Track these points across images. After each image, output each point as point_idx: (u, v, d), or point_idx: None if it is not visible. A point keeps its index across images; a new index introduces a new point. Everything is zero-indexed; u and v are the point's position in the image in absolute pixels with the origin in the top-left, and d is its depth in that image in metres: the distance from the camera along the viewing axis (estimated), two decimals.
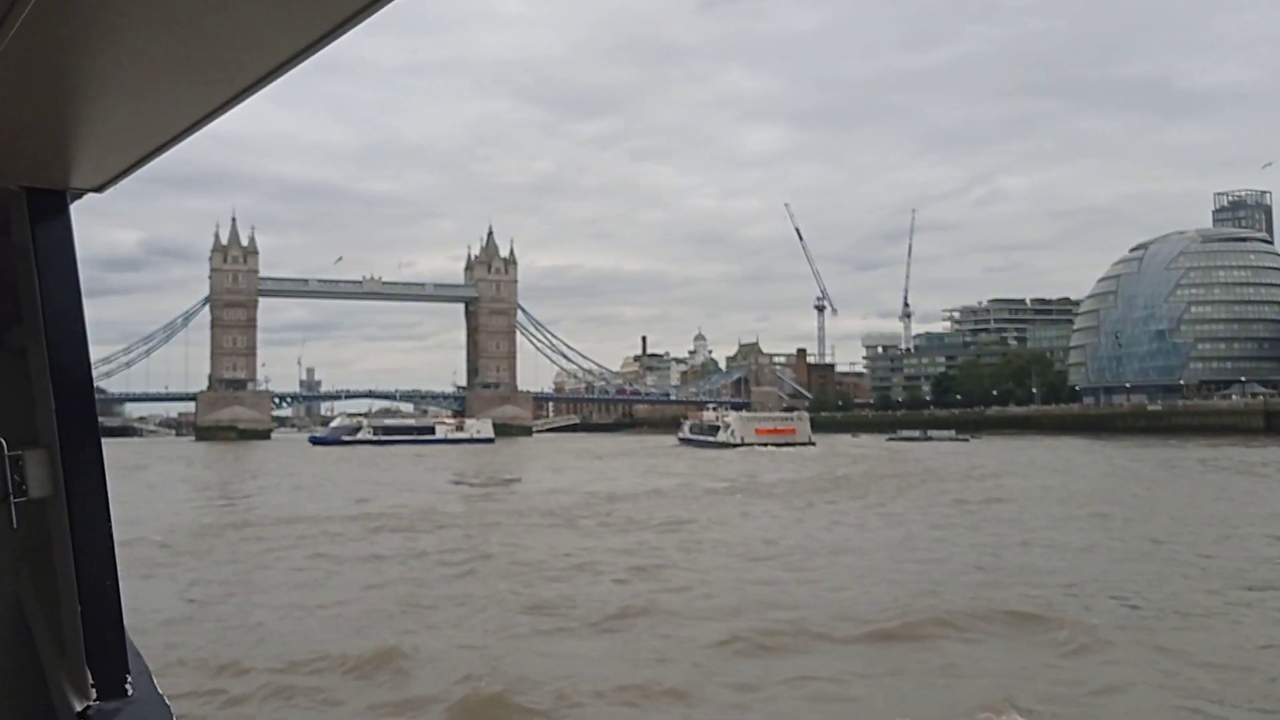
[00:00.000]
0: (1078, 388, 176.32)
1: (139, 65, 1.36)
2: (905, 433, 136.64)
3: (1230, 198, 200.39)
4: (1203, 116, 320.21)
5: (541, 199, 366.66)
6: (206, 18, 1.28)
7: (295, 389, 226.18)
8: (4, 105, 1.47)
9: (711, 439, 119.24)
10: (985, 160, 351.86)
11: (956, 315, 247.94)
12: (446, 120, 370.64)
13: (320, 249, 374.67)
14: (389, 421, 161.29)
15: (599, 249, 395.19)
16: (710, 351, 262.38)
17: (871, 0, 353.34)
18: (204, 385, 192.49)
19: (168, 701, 1.74)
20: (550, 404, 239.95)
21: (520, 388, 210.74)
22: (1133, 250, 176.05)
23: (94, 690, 1.72)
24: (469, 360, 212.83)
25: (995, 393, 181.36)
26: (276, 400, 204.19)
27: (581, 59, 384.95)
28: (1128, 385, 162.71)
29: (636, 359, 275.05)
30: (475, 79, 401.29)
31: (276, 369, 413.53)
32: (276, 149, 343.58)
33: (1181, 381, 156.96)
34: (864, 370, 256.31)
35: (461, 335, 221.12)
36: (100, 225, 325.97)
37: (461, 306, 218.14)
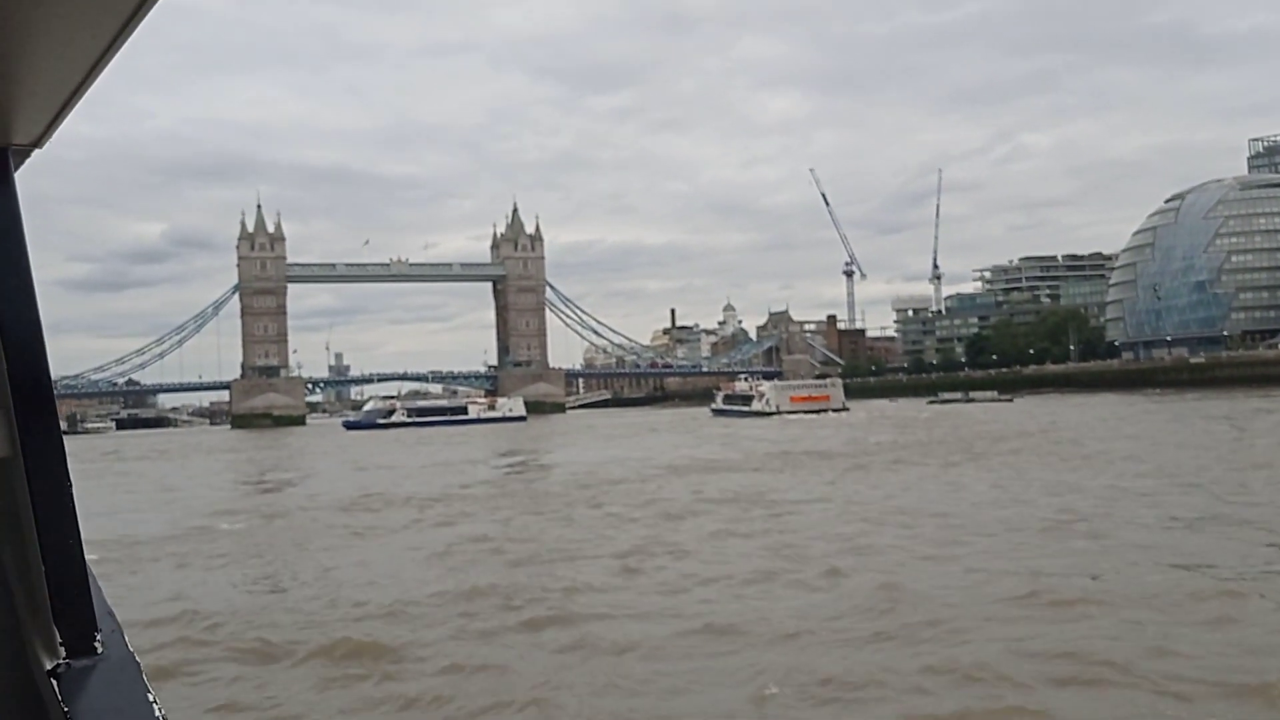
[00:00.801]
0: (1116, 343, 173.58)
1: None
2: (946, 395, 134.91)
3: (1266, 143, 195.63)
4: (1227, 63, 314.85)
5: (561, 175, 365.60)
6: None
7: (324, 374, 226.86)
8: None
9: (746, 409, 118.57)
10: (1007, 118, 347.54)
11: (988, 275, 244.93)
12: (463, 100, 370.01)
13: (343, 234, 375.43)
14: (422, 403, 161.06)
15: (620, 223, 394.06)
16: (740, 322, 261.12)
17: None
18: (237, 373, 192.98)
19: (138, 659, 1.75)
20: (580, 380, 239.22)
21: (551, 364, 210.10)
22: (1169, 201, 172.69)
23: (63, 649, 1.74)
24: (499, 339, 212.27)
25: (1031, 351, 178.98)
26: (309, 386, 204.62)
27: (596, 32, 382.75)
28: (1168, 338, 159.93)
29: (666, 332, 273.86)
30: (491, 57, 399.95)
31: (305, 355, 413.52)
32: (294, 136, 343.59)
33: (1224, 332, 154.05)
34: (895, 334, 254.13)
35: (487, 315, 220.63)
36: (122, 219, 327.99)
37: (489, 286, 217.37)
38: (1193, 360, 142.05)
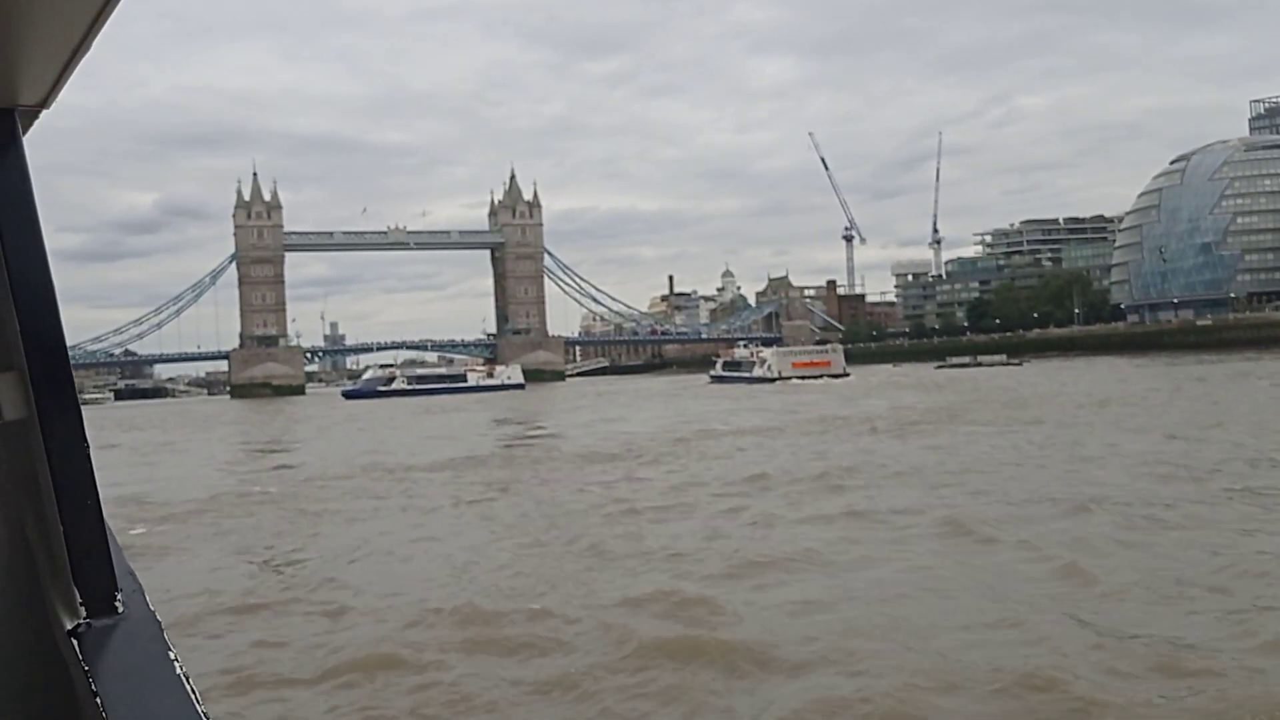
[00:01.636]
0: (1122, 306, 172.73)
1: None
2: (954, 359, 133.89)
3: (1267, 104, 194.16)
4: (1222, 25, 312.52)
5: (554, 142, 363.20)
6: None
7: (320, 344, 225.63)
8: None
9: (747, 375, 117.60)
10: (1002, 81, 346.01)
11: (988, 239, 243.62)
12: (455, 66, 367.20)
13: (336, 203, 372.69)
14: (421, 371, 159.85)
15: (614, 190, 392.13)
16: (739, 288, 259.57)
17: None
18: (235, 343, 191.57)
19: (159, 618, 1.75)
20: (577, 348, 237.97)
21: (550, 332, 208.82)
22: (1174, 162, 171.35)
23: (83, 609, 1.74)
24: (497, 307, 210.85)
25: (1035, 315, 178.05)
26: (308, 355, 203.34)
27: None
28: (1174, 301, 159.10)
29: (664, 299, 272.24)
30: (482, 22, 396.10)
31: (300, 325, 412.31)
32: (286, 104, 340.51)
33: (1231, 294, 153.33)
34: (895, 300, 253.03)
35: (482, 283, 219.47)
36: (115, 189, 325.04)
37: (485, 253, 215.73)
38: (1199, 323, 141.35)
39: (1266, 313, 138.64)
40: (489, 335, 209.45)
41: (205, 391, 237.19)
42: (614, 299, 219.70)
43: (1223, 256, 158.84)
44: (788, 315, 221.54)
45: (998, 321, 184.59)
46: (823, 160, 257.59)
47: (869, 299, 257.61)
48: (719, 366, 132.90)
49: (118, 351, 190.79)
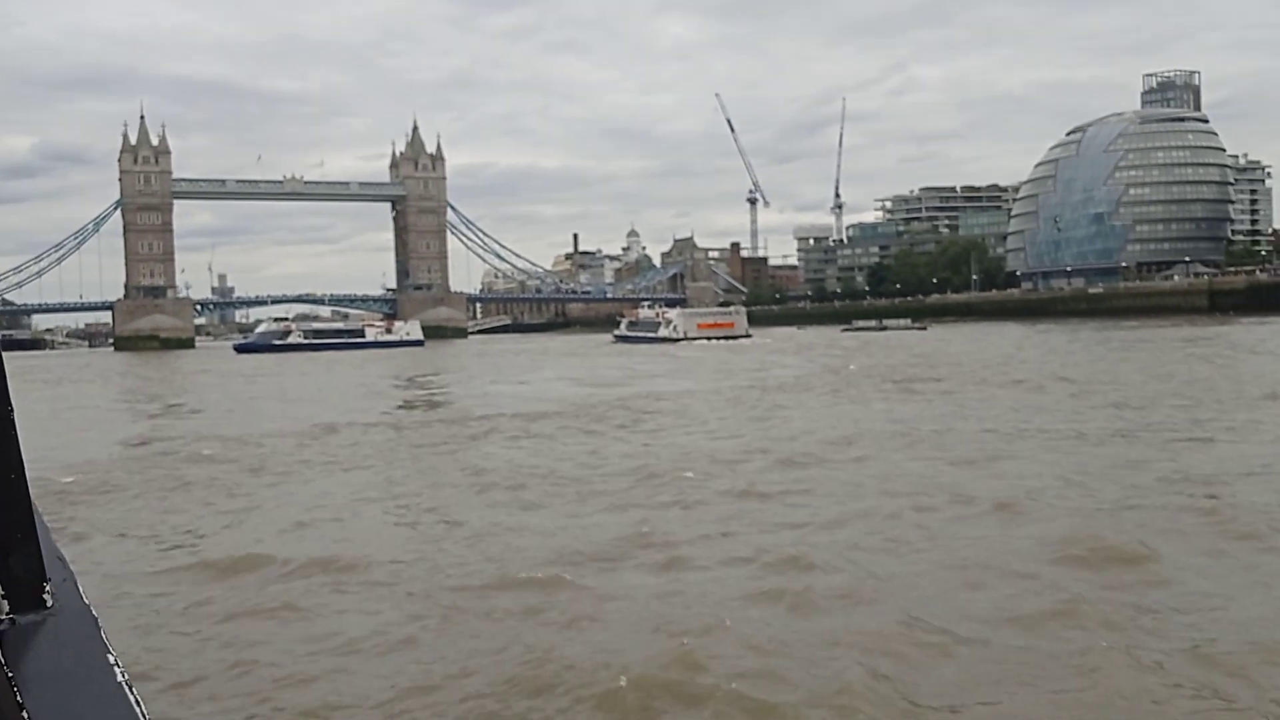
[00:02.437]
0: (1017, 273, 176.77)
1: None
2: (860, 323, 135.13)
3: (1159, 78, 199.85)
4: (1110, 1, 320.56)
5: (455, 95, 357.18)
6: None
7: (207, 296, 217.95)
8: None
9: (653, 335, 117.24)
10: (900, 49, 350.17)
11: (888, 205, 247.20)
12: (352, 14, 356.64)
13: (225, 151, 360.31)
14: (318, 325, 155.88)
15: (515, 146, 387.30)
16: (644, 248, 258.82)
17: None
18: (119, 294, 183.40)
19: (94, 613, 1.46)
20: (478, 305, 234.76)
21: (452, 289, 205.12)
22: (1070, 133, 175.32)
23: (5, 603, 1.44)
24: (398, 261, 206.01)
25: (934, 280, 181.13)
26: (197, 308, 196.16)
27: None
28: (1068, 269, 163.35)
29: (568, 257, 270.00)
30: None
31: (187, 276, 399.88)
32: (173, 46, 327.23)
33: (1122, 264, 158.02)
34: (797, 263, 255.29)
35: (379, 237, 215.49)
36: None
37: (382, 206, 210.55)
38: (1091, 290, 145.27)
39: (1157, 283, 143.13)
40: (389, 290, 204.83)
41: (86, 344, 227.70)
42: (519, 255, 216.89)
43: (1114, 227, 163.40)
44: (692, 277, 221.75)
45: (898, 286, 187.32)
46: (729, 122, 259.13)
47: (771, 262, 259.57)
48: (623, 326, 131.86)
49: None
